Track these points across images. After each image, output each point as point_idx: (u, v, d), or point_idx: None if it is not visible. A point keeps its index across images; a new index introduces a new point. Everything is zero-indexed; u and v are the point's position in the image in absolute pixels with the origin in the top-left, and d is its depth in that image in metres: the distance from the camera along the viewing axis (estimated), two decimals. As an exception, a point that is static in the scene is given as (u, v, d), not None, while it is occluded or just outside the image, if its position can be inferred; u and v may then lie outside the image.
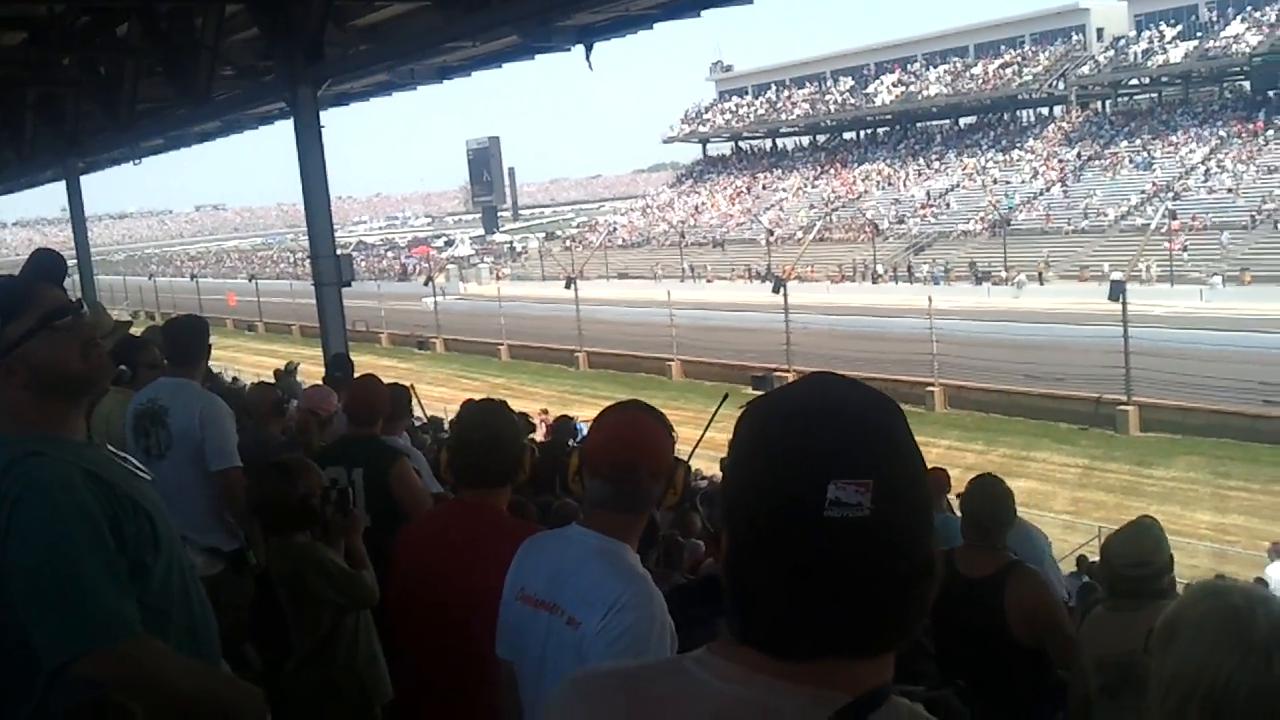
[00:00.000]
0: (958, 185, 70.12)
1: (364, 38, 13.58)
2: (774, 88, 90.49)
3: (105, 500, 2.29)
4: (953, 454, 26.23)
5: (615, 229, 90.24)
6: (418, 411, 8.86)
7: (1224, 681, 1.47)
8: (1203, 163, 59.42)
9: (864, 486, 1.12)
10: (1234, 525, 21.94)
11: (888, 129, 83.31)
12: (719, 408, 3.00)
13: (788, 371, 35.24)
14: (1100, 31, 71.36)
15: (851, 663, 1.17)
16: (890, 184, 74.80)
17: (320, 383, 8.19)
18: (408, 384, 6.77)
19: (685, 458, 2.70)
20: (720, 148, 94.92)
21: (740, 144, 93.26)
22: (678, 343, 41.72)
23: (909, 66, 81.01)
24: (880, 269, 61.62)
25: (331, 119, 22.80)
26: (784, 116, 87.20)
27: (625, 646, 2.31)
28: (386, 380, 5.95)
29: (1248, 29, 61.94)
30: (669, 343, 41.80)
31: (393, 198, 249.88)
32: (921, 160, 76.21)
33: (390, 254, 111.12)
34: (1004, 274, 55.27)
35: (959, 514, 5.00)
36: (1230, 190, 55.67)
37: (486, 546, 3.05)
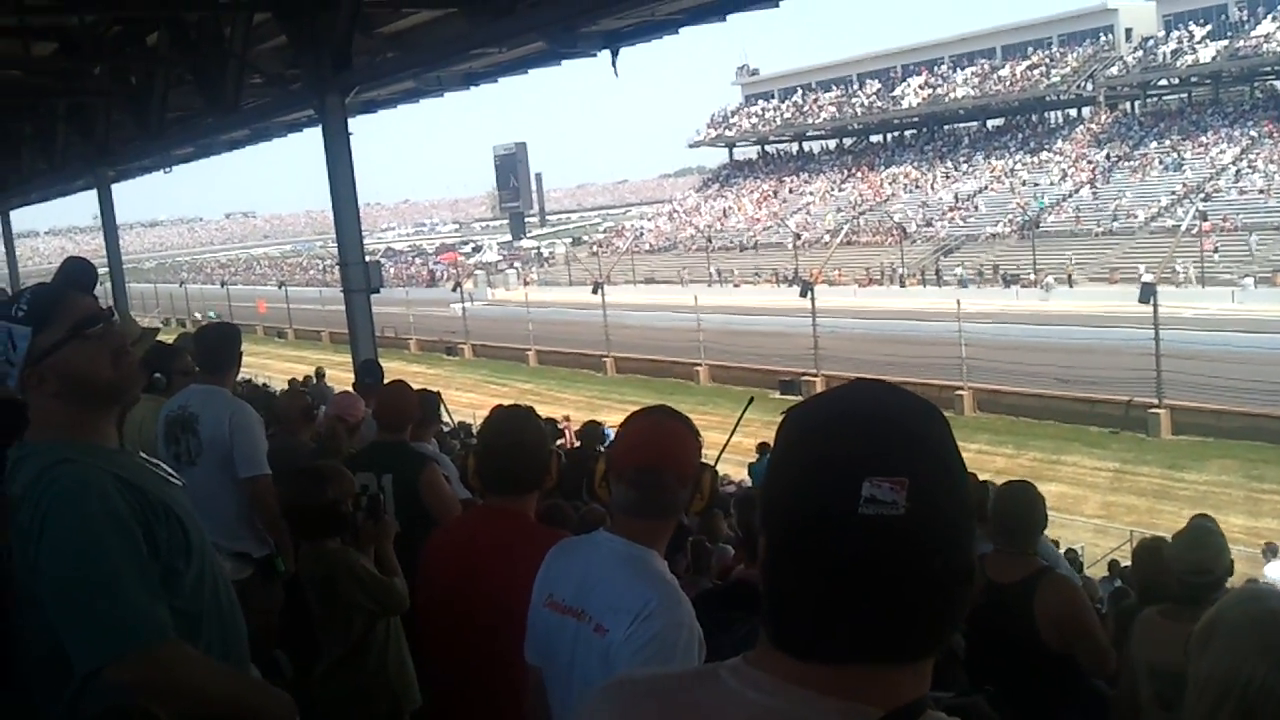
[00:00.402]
0: (986, 188, 69.77)
1: (391, 45, 13.66)
2: (800, 91, 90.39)
3: (137, 506, 2.30)
4: (983, 458, 26.10)
5: (642, 234, 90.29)
6: (446, 418, 8.89)
7: (1258, 686, 1.46)
8: (1233, 163, 58.92)
9: (899, 484, 1.12)
10: (1268, 529, 21.70)
11: (915, 131, 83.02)
12: (744, 412, 3.00)
13: (815, 376, 35.17)
14: (1129, 32, 70.94)
15: (887, 671, 1.15)
16: (918, 187, 74.53)
17: (349, 389, 8.22)
18: (435, 390, 6.79)
19: (712, 463, 2.69)
20: (747, 152, 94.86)
21: (766, 148, 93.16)
22: (705, 348, 41.64)
23: (936, 68, 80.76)
24: (908, 272, 61.38)
25: (359, 126, 22.94)
26: (810, 120, 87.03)
27: (652, 654, 2.30)
28: (415, 386, 5.98)
29: (1278, 28, 61.40)
30: (696, 348, 41.75)
31: (420, 204, 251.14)
32: (949, 163, 75.89)
33: (418, 260, 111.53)
34: (1033, 277, 54.98)
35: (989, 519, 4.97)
36: (1262, 191, 55.15)
37: (514, 553, 3.05)
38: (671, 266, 76.56)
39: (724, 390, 36.98)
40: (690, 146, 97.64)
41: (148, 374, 5.06)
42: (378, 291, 12.95)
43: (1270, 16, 62.64)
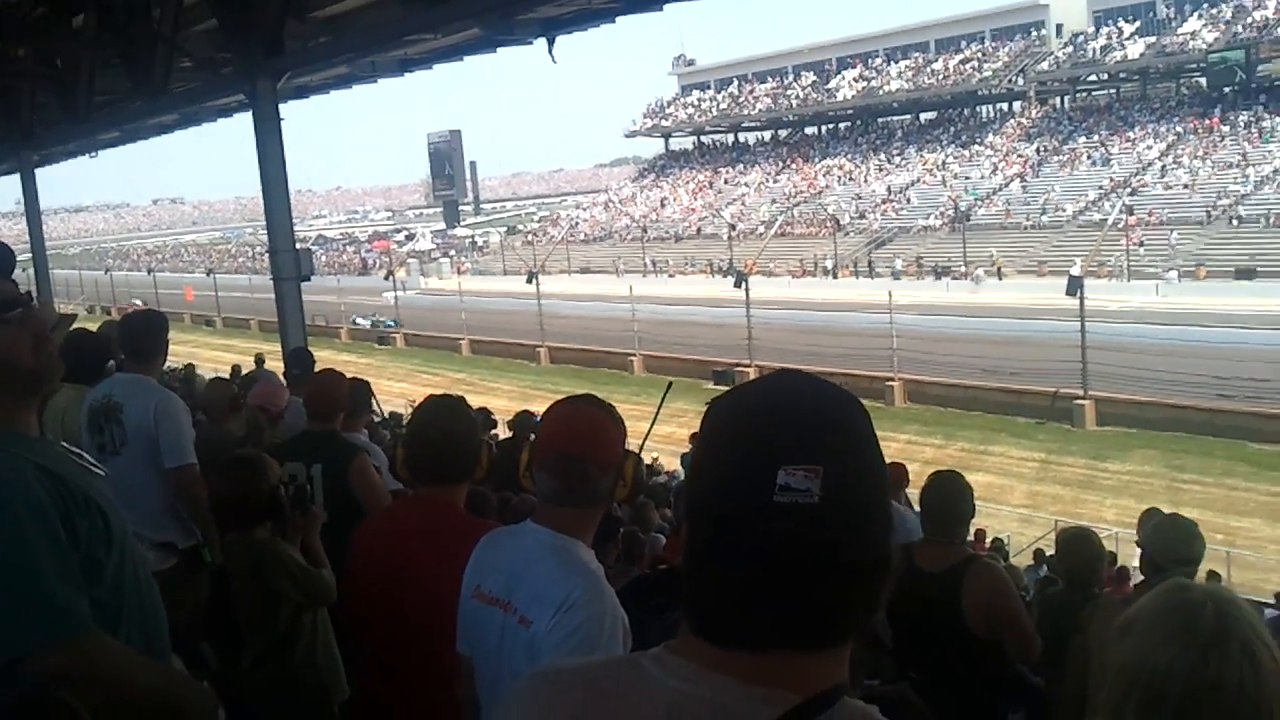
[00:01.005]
0: (918, 180, 70.57)
1: (324, 30, 13.50)
2: (736, 82, 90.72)
3: (58, 495, 2.27)
4: (912, 448, 26.41)
5: (577, 223, 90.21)
6: (376, 408, 8.83)
7: (1163, 672, 1.48)
8: (1159, 159, 60.13)
9: (813, 472, 1.14)
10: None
11: (849, 124, 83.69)
12: (664, 399, 2.98)
13: (749, 366, 35.35)
14: (1059, 28, 72.08)
15: (804, 658, 1.17)
16: (851, 179, 75.16)
17: (271, 378, 8.12)
18: (366, 380, 6.73)
19: (636, 450, 2.69)
20: (683, 142, 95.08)
21: (702, 138, 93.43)
22: (639, 338, 41.75)
23: (870, 62, 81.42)
24: (841, 264, 61.89)
25: (291, 111, 22.64)
26: (746, 111, 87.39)
27: (576, 644, 2.31)
28: (346, 375, 5.92)
29: (1204, 26, 62.70)
30: (631, 338, 41.84)
31: (353, 191, 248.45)
32: (882, 155, 76.62)
33: (350, 248, 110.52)
34: (963, 269, 55.69)
35: (918, 509, 5.03)
36: (1186, 186, 56.36)
37: (444, 543, 3.04)
38: (607, 256, 76.60)
39: (658, 380, 37.01)
40: (626, 136, 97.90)
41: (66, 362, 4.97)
42: (308, 279, 12.83)
43: (1196, 14, 63.95)
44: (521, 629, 2.43)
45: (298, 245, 12.99)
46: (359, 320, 56.71)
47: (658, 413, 2.72)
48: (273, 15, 11.61)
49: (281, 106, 12.86)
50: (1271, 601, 14.30)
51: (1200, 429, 27.18)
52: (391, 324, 55.42)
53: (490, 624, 2.53)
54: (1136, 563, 7.06)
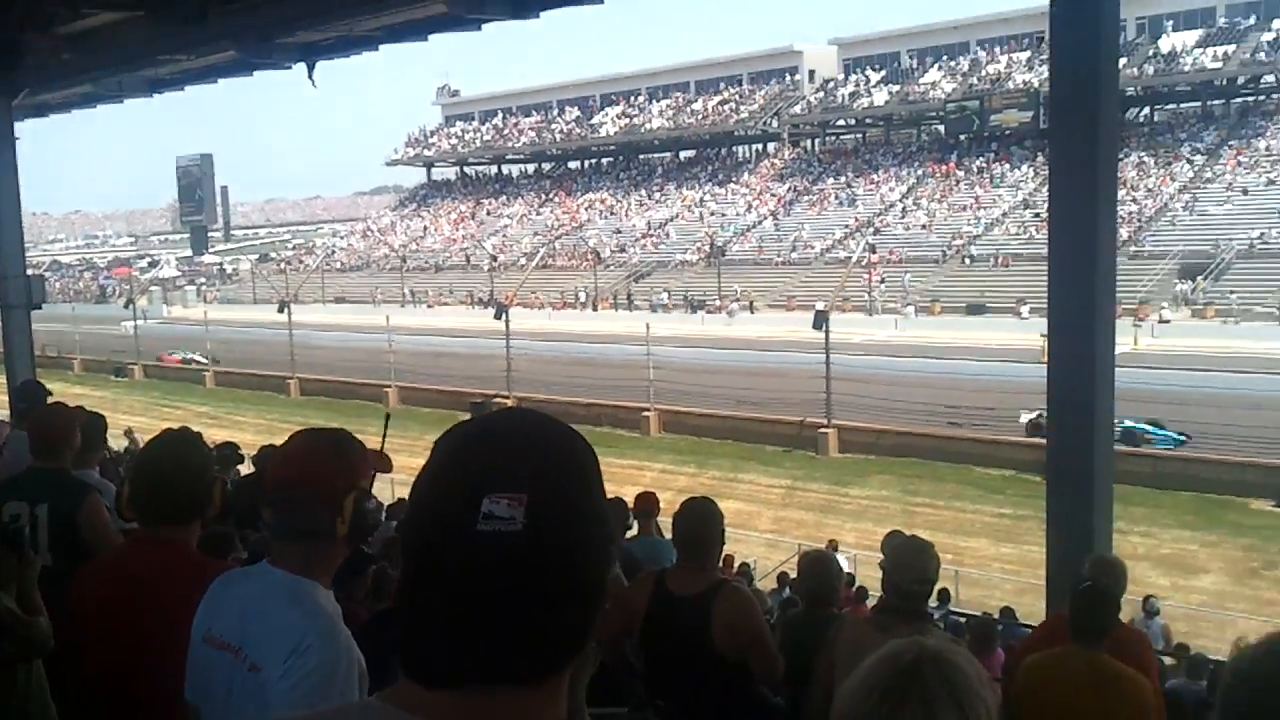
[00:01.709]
0: (677, 216, 72.25)
1: (70, 46, 12.80)
2: (501, 114, 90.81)
3: None
4: (666, 477, 26.94)
5: (334, 252, 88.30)
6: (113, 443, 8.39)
7: None
8: (900, 200, 63.50)
9: (517, 501, 1.12)
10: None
11: (611, 159, 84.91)
12: (385, 429, 2.89)
13: (508, 397, 35.33)
14: (812, 73, 75.26)
15: (514, 694, 1.14)
16: (612, 213, 76.25)
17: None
18: (100, 413, 6.39)
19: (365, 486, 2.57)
20: (445, 172, 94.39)
21: (466, 169, 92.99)
22: (397, 369, 41.12)
23: (633, 99, 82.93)
24: (601, 296, 62.69)
25: (27, 130, 21.30)
26: (510, 144, 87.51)
27: (308, 691, 2.24)
28: (81, 409, 5.62)
29: (944, 77, 66.86)
30: (386, 369, 41.13)
31: (93, 215, 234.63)
32: (643, 191, 78.12)
33: (88, 274, 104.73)
34: (718, 302, 57.21)
35: (669, 536, 5.11)
36: (924, 227, 59.72)
37: (172, 586, 2.91)
38: (364, 286, 75.26)
39: (413, 412, 36.55)
40: (388, 165, 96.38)
41: None
42: (39, 307, 12.11)
43: (937, 66, 68.05)
44: (251, 675, 2.34)
45: (29, 271, 12.27)
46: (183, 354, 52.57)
47: (381, 446, 2.62)
48: (9, 30, 10.95)
49: (17, 125, 12.14)
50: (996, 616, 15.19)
51: (933, 455, 28.79)
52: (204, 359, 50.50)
53: (220, 670, 2.42)
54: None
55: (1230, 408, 27.61)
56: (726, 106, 75.85)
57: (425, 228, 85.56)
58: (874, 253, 56.57)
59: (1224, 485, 25.02)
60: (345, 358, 44.40)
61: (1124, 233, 47.36)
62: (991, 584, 20.13)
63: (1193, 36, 58.63)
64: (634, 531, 7.94)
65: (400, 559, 1.24)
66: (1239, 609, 18.96)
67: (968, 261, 55.37)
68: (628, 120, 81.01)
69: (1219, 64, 56.71)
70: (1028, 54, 63.38)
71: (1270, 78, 57.42)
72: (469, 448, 1.19)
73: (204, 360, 50.22)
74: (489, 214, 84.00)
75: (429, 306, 67.74)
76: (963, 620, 11.60)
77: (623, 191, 79.14)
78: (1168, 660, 10.63)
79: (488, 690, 1.13)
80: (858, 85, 70.89)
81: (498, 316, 39.80)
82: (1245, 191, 51.71)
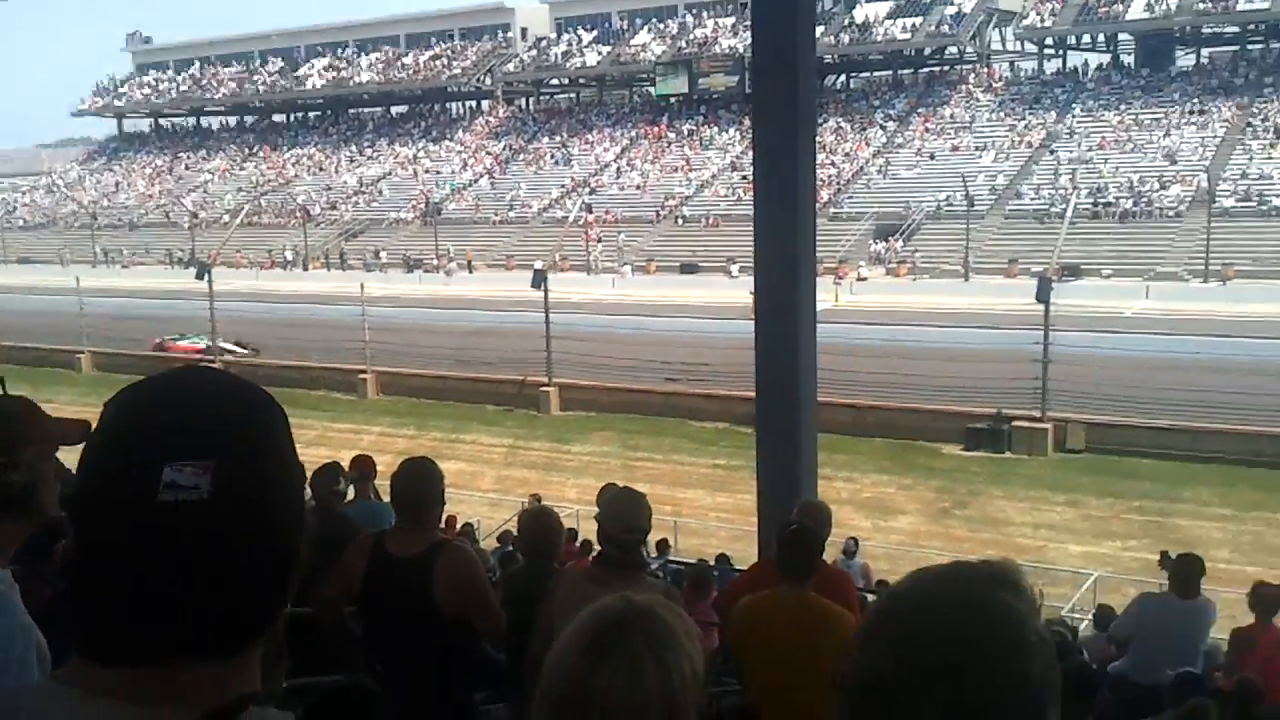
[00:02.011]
0: (390, 173, 70.87)
1: None
2: (198, 64, 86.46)
3: None
4: (385, 440, 26.59)
5: (15, 208, 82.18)
6: None
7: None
8: (615, 161, 64.40)
9: (203, 469, 1.05)
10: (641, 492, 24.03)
11: (319, 113, 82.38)
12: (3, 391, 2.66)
13: (213, 360, 33.87)
14: (525, 31, 75.07)
15: (202, 669, 1.07)
16: (322, 169, 74.11)
17: None
18: None
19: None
20: (138, 124, 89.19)
21: (161, 121, 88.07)
22: (90, 333, 38.70)
23: (341, 52, 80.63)
24: (311, 255, 60.93)
25: None
26: (209, 95, 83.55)
27: None
28: None
29: (654, 39, 68.03)
30: (78, 334, 38.66)
31: None
32: (354, 146, 76.25)
33: None
34: (435, 262, 56.63)
35: (387, 499, 5.05)
36: (639, 188, 60.86)
37: None
38: (50, 245, 70.29)
39: (109, 379, 34.50)
40: (73, 115, 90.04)
41: None
42: None
43: (647, 28, 69.21)
44: None
45: None
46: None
47: None
48: None
49: None
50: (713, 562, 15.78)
51: (651, 410, 29.54)
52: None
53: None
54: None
55: (921, 359, 29.49)
56: (439, 62, 74.92)
57: (117, 183, 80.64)
58: (590, 212, 57.35)
59: (918, 431, 26.81)
60: (34, 321, 41.37)
61: (824, 195, 49.94)
62: (709, 532, 20.77)
63: (884, 8, 62.04)
64: (351, 496, 7.79)
65: (72, 532, 1.10)
66: (934, 546, 20.27)
67: (680, 222, 56.82)
68: (335, 73, 78.87)
69: (908, 35, 60.27)
70: (733, 19, 65.30)
71: (954, 49, 61.41)
72: (147, 410, 1.11)
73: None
74: (188, 168, 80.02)
75: (124, 266, 63.98)
76: (681, 568, 11.97)
77: (332, 147, 76.99)
78: (870, 596, 11.30)
79: (178, 667, 1.06)
80: (570, 45, 71.36)
81: (200, 276, 37.86)
82: (933, 156, 55.25)
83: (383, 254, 59.53)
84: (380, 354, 33.80)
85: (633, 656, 1.47)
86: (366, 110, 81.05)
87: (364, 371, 33.45)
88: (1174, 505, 22.23)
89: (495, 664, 5.39)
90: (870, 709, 1.11)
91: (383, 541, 4.62)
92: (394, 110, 79.90)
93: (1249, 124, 49.92)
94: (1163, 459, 24.07)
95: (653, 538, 16.48)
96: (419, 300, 45.23)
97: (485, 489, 24.33)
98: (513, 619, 4.81)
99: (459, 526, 15.74)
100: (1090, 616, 11.92)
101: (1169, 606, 7.17)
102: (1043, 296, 26.52)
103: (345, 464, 7.73)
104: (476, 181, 66.91)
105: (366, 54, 79.48)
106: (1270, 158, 47.30)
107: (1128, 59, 59.82)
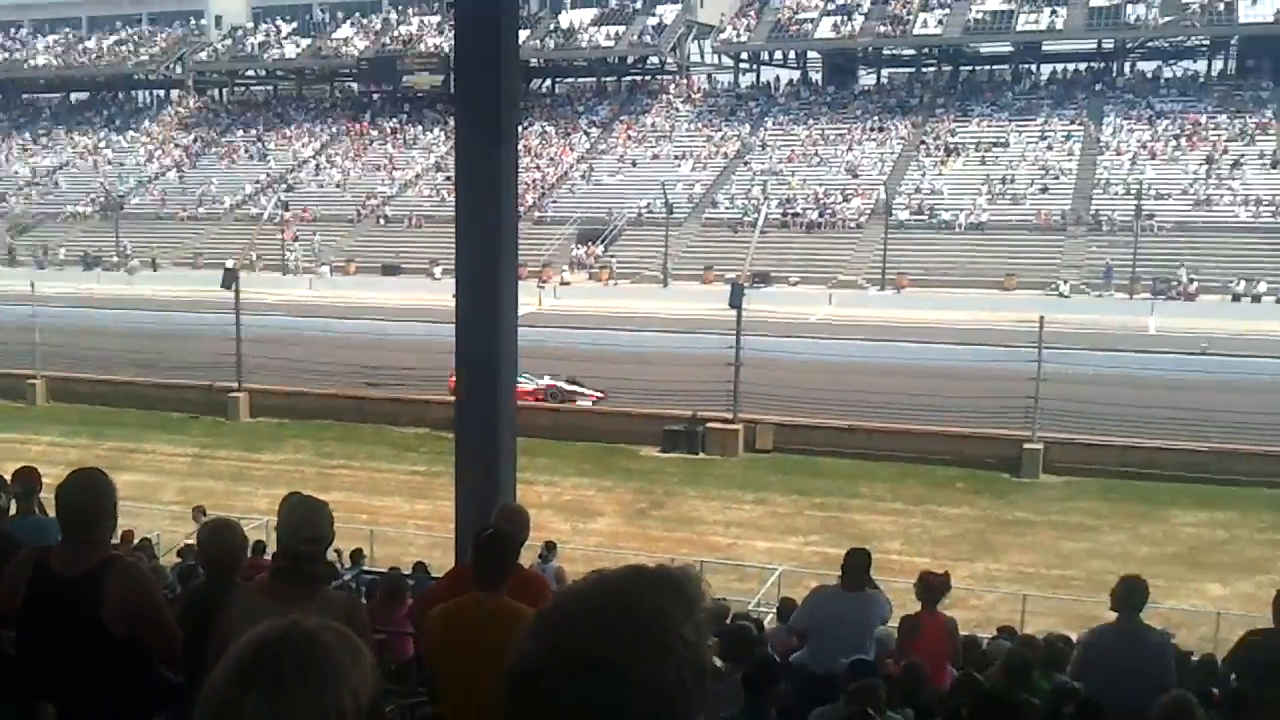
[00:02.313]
0: (68, 164, 66.82)
1: None
2: None
3: None
4: (55, 450, 24.88)
5: None
6: None
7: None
8: (314, 157, 62.79)
9: None
10: (337, 501, 23.41)
11: (-14, 97, 76.48)
12: None
13: None
14: (219, 19, 72.40)
15: None
16: (-8, 157, 68.85)
17: None
18: None
19: None
20: None
21: None
22: None
23: (13, 32, 75.70)
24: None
25: None
26: None
27: None
28: None
29: (357, 33, 66.83)
30: None
31: None
32: (27, 134, 71.62)
33: None
34: (116, 259, 53.63)
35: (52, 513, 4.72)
36: (339, 185, 59.60)
37: None
38: None
39: None
40: None
41: None
42: None
43: (350, 21, 67.97)
44: None
45: None
46: None
47: None
48: None
49: None
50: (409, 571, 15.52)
51: (350, 416, 28.93)
52: None
53: None
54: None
55: (622, 363, 30.09)
56: (124, 47, 71.14)
57: None
58: (287, 210, 55.58)
59: (619, 435, 27.33)
60: None
61: (528, 199, 50.35)
62: (406, 540, 20.48)
63: (589, 15, 63.21)
64: (14, 511, 7.28)
65: None
66: (630, 547, 20.77)
67: (382, 222, 55.97)
68: (6, 55, 73.76)
69: (611, 43, 61.63)
70: (438, 18, 64.89)
71: (655, 59, 63.19)
72: None
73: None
74: None
75: None
76: (376, 578, 11.71)
77: (3, 134, 71.72)
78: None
79: None
80: (268, 35, 69.07)
81: None
82: (635, 164, 56.62)
83: (62, 251, 55.76)
84: (52, 358, 31.62)
85: (281, 685, 1.37)
86: (43, 96, 75.85)
87: (33, 377, 31.26)
88: (851, 501, 23.73)
89: (172, 685, 5.15)
90: (524, 698, 1.17)
91: (47, 559, 4.34)
92: (73, 97, 75.16)
93: (922, 141, 53.93)
94: (842, 457, 25.65)
95: (348, 547, 16.09)
96: (97, 300, 42.63)
97: (167, 501, 23.02)
98: (190, 637, 4.61)
99: (136, 541, 14.89)
100: (775, 610, 12.41)
101: (839, 599, 7.61)
102: (735, 302, 27.70)
103: (8, 477, 7.22)
104: (164, 174, 63.79)
105: (43, 35, 74.51)
106: (941, 174, 51.22)
107: (816, 76, 63.28)
